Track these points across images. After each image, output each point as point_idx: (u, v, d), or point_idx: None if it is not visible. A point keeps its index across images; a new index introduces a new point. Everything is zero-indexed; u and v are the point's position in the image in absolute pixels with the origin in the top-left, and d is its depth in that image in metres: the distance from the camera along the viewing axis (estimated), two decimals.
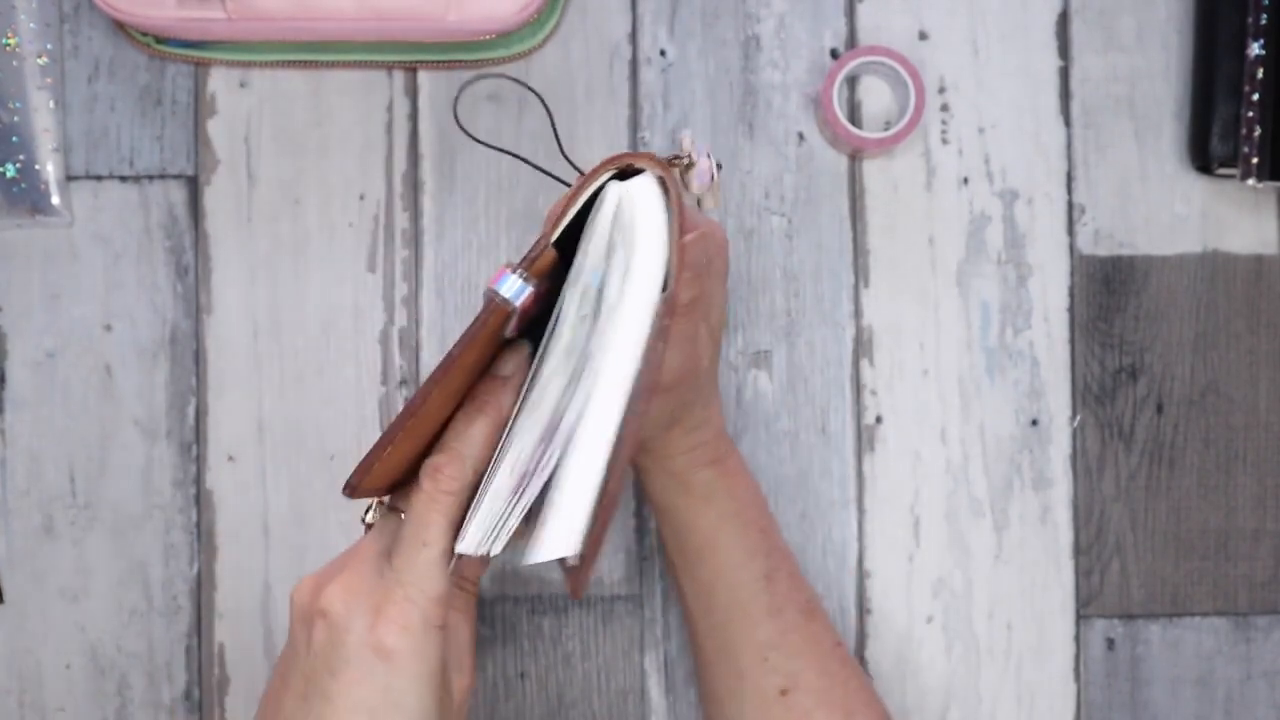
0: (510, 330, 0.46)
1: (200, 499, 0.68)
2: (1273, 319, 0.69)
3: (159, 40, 0.67)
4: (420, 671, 0.45)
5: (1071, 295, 0.68)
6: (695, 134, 0.68)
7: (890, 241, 0.68)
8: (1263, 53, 0.65)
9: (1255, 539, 0.68)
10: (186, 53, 0.67)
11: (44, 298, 0.68)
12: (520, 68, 0.68)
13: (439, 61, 0.68)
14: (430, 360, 0.68)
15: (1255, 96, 0.65)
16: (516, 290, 0.44)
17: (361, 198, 0.68)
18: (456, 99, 0.63)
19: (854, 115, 0.69)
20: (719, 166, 0.48)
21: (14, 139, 0.67)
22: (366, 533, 0.50)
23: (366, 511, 0.51)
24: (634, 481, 0.66)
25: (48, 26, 0.68)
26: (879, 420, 0.68)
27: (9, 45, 0.67)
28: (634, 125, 0.68)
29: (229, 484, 0.68)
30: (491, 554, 0.46)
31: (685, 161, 0.47)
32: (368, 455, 0.46)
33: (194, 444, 0.68)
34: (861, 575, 0.68)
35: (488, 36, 0.65)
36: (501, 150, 0.52)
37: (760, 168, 0.68)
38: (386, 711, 0.45)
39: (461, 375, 0.45)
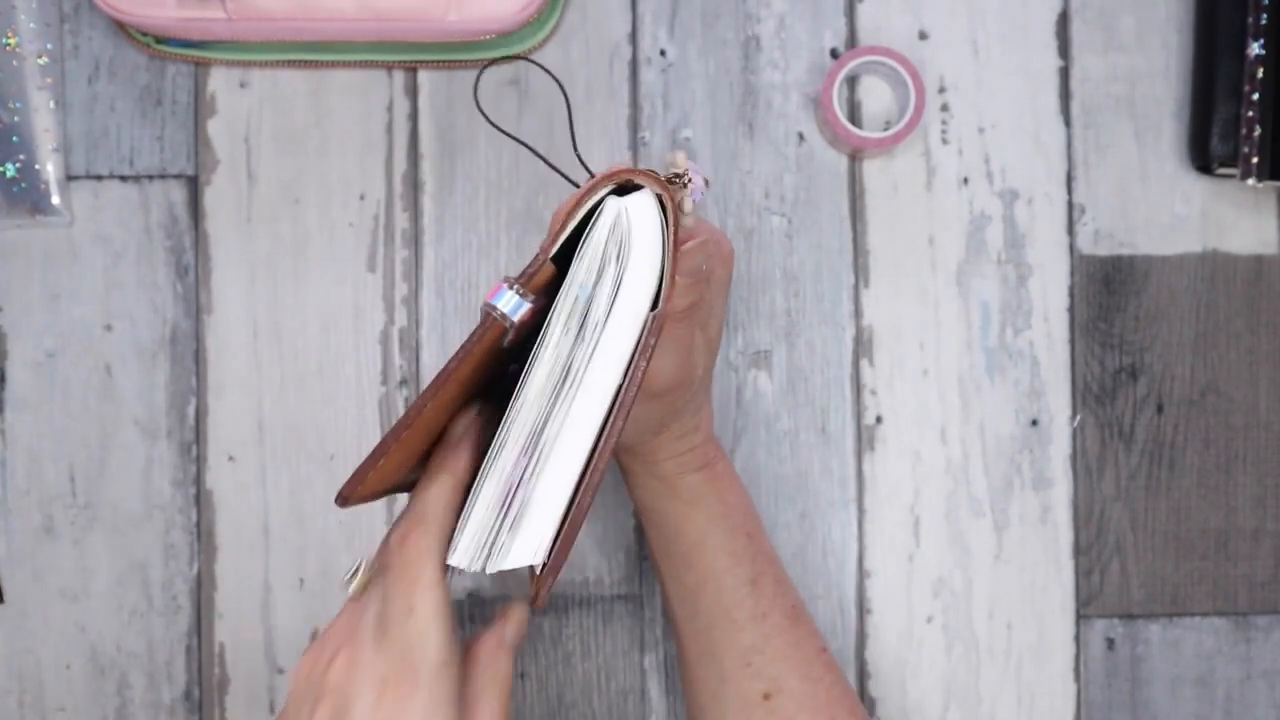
0: (508, 341, 0.46)
1: (200, 499, 0.68)
2: (1273, 319, 0.69)
3: (159, 40, 0.67)
4: None
5: (1071, 295, 0.68)
6: (694, 135, 0.68)
7: (890, 241, 0.68)
8: (1263, 53, 0.65)
9: (1255, 539, 0.68)
10: (186, 53, 0.67)
11: (44, 298, 0.68)
12: (521, 68, 0.68)
13: (439, 61, 0.68)
14: (430, 360, 0.68)
15: (1255, 96, 0.65)
16: (514, 306, 0.44)
17: (361, 198, 0.68)
18: (476, 83, 0.62)
19: (854, 115, 0.69)
20: (707, 183, 0.48)
21: (14, 139, 0.67)
22: (351, 601, 0.48)
23: (349, 575, 0.48)
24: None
25: (48, 26, 0.68)
26: (879, 420, 0.68)
27: (9, 45, 0.67)
28: (634, 125, 0.68)
29: (229, 484, 0.68)
30: (486, 571, 0.46)
31: (685, 180, 0.47)
32: (361, 466, 0.46)
33: (194, 444, 0.68)
34: (861, 575, 0.68)
35: (488, 36, 0.65)
36: (519, 141, 0.52)
37: (760, 168, 0.68)
38: None
39: (457, 388, 0.45)
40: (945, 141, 0.69)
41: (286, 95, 0.68)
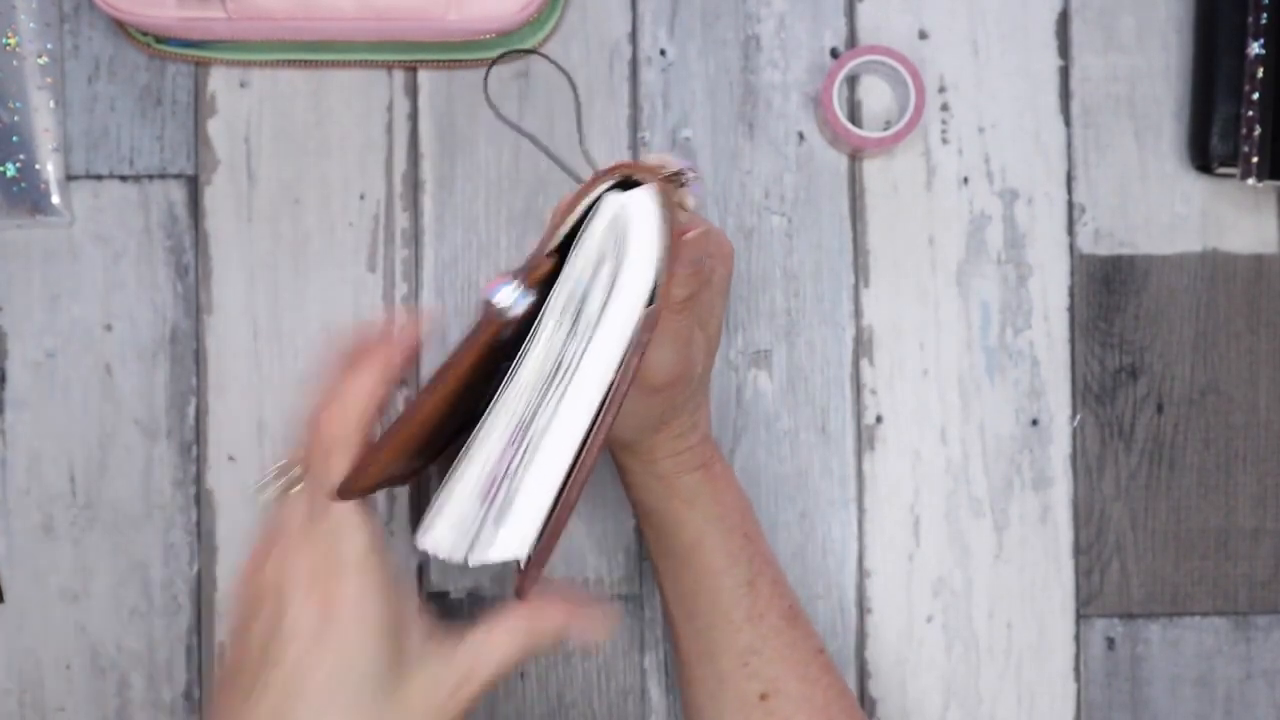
0: (506, 334, 0.46)
1: (200, 499, 0.68)
2: (1273, 319, 0.69)
3: (159, 40, 0.67)
4: (368, 632, 0.45)
5: (1071, 295, 0.68)
6: (693, 135, 0.68)
7: (890, 241, 0.68)
8: (1263, 52, 0.65)
9: (1255, 539, 0.68)
10: (186, 52, 0.67)
11: (44, 298, 0.68)
12: (522, 66, 0.68)
13: (439, 61, 0.68)
14: (430, 360, 0.68)
15: (1255, 96, 0.65)
16: (514, 300, 0.44)
17: (361, 198, 0.68)
18: (486, 76, 0.61)
19: (854, 115, 0.69)
20: (696, 177, 0.48)
21: (14, 139, 0.67)
22: (277, 504, 0.49)
23: (258, 486, 0.49)
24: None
25: (48, 26, 0.68)
26: (879, 420, 0.68)
27: (9, 45, 0.67)
28: (634, 125, 0.68)
29: (229, 484, 0.68)
30: (469, 564, 0.46)
31: (685, 179, 0.47)
32: (361, 459, 0.46)
33: (194, 444, 0.68)
34: (861, 575, 0.68)
35: (488, 36, 0.65)
36: (526, 135, 0.52)
37: (760, 167, 0.68)
38: (338, 678, 0.45)
39: (456, 382, 0.46)
40: (945, 141, 0.69)
41: (286, 95, 0.68)
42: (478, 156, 0.68)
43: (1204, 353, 0.68)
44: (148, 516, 0.67)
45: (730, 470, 0.60)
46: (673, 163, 0.48)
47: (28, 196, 0.67)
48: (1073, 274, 0.69)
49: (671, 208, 0.45)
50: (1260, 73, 0.65)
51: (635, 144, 0.69)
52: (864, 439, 0.68)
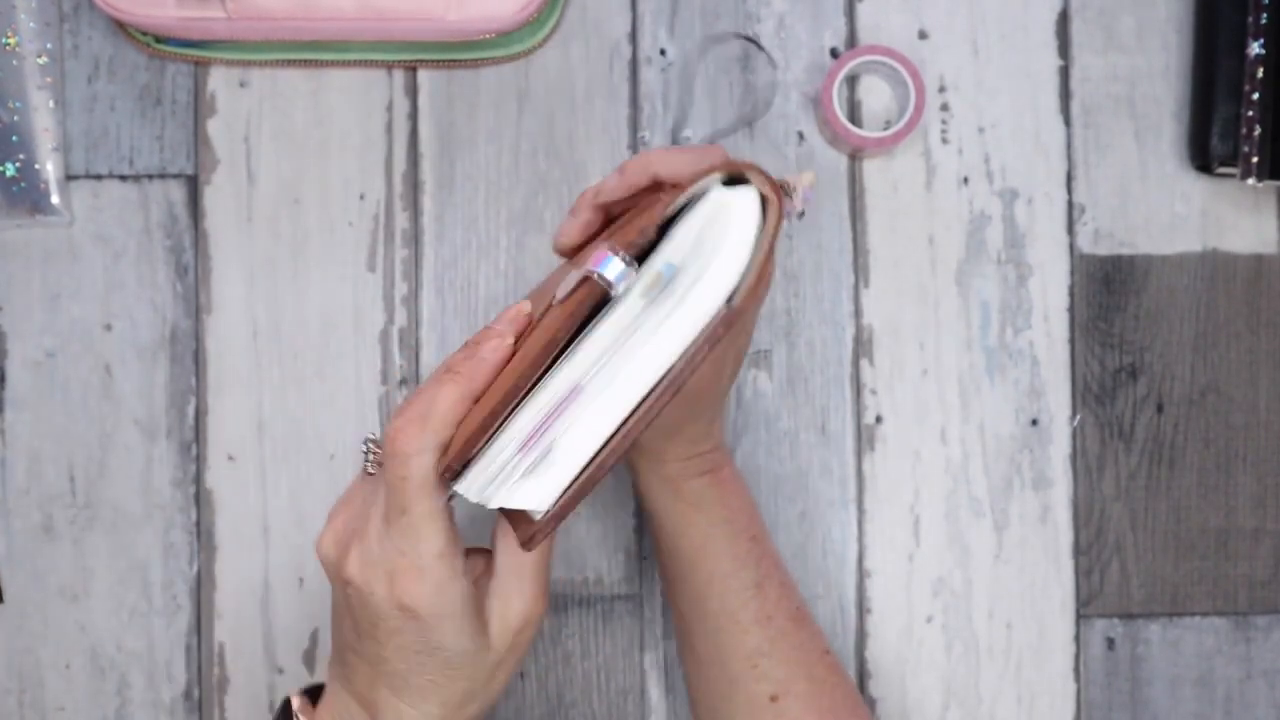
0: (585, 309, 0.47)
1: (200, 499, 0.68)
2: (1273, 319, 0.69)
3: (159, 40, 0.67)
4: (447, 620, 0.48)
5: (1071, 295, 0.68)
6: (693, 135, 0.68)
7: (890, 241, 0.68)
8: (1263, 52, 0.65)
9: (1255, 539, 0.68)
10: (186, 52, 0.67)
11: (44, 298, 0.68)
12: (520, 67, 0.68)
13: (439, 61, 0.68)
14: (430, 360, 0.68)
15: (1255, 96, 0.65)
16: (620, 273, 0.45)
17: (361, 197, 0.68)
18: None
19: (854, 115, 0.69)
20: (801, 215, 0.49)
21: (14, 138, 0.67)
22: (364, 476, 0.52)
23: (367, 456, 0.52)
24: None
25: (48, 26, 0.68)
26: (879, 420, 0.68)
27: (9, 45, 0.67)
28: (634, 125, 0.68)
29: (229, 484, 0.68)
30: (488, 506, 0.46)
31: (791, 189, 0.48)
32: (458, 451, 0.47)
33: (194, 444, 0.68)
34: (861, 575, 0.68)
35: (488, 36, 0.65)
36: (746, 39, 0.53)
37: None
38: (428, 653, 0.49)
39: (543, 354, 0.47)
40: (945, 141, 0.69)
41: (286, 95, 0.68)
42: (478, 156, 0.68)
43: (1204, 353, 0.68)
44: (147, 516, 0.67)
45: (739, 476, 0.60)
46: (801, 179, 0.48)
47: (27, 196, 0.67)
48: (1073, 274, 0.68)
49: (776, 212, 0.46)
50: (1260, 73, 0.65)
51: (635, 144, 0.69)
52: (864, 439, 0.68)
